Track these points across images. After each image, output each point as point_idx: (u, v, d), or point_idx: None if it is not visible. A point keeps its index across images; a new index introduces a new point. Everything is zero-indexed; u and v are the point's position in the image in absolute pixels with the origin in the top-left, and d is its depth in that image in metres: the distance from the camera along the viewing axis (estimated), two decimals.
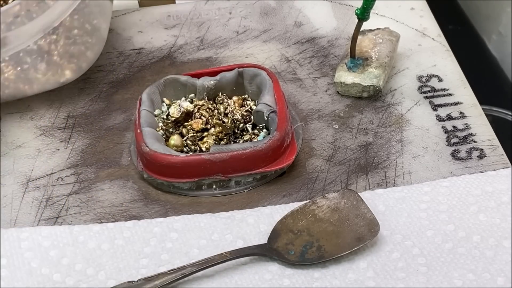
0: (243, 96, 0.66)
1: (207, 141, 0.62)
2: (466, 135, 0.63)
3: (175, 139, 0.62)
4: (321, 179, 0.61)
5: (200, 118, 0.63)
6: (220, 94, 0.66)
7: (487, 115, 0.66)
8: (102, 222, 0.58)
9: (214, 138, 0.62)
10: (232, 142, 0.62)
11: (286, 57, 0.74)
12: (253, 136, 0.62)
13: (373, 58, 0.68)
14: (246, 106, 0.65)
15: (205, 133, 0.62)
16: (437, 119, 0.65)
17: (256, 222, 0.57)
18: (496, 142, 0.63)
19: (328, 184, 0.60)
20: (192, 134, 0.62)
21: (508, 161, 0.61)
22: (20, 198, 0.61)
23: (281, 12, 0.79)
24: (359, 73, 0.67)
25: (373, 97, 0.68)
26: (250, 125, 0.63)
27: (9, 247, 0.55)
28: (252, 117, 0.64)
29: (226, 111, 0.64)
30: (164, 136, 0.62)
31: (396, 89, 0.69)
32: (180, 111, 0.64)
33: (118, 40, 0.77)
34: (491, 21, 1.09)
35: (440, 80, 0.69)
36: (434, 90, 0.68)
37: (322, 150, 0.63)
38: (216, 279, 0.53)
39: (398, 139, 0.64)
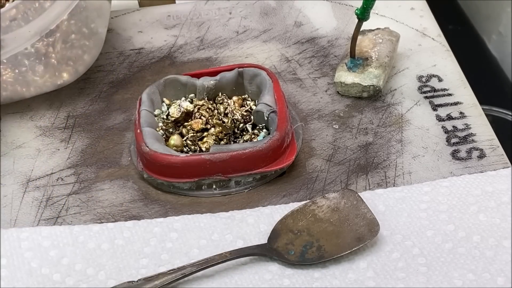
0: (243, 96, 0.66)
1: (207, 141, 0.62)
2: (466, 135, 0.63)
3: (175, 139, 0.62)
4: (321, 179, 0.61)
5: (200, 118, 0.63)
6: (220, 94, 0.66)
7: (487, 115, 0.66)
8: (102, 222, 0.58)
9: (214, 138, 0.62)
10: (232, 142, 0.62)
11: (286, 57, 0.74)
12: (253, 136, 0.62)
13: (373, 58, 0.68)
14: (246, 106, 0.65)
15: (205, 133, 0.62)
16: (437, 119, 0.65)
17: (256, 222, 0.57)
18: (496, 142, 0.63)
19: (328, 184, 0.60)
20: (192, 134, 0.62)
21: (508, 161, 0.61)
22: (20, 198, 0.61)
23: (281, 12, 0.79)
24: (359, 73, 0.67)
25: (373, 97, 0.68)
26: (250, 125, 0.63)
27: (9, 247, 0.55)
28: (252, 117, 0.64)
29: (226, 111, 0.64)
30: (164, 136, 0.62)
31: (396, 89, 0.69)
32: (180, 111, 0.64)
33: (118, 40, 0.77)
34: (491, 21, 1.10)
35: (440, 80, 0.69)
36: (434, 90, 0.68)
37: (322, 150, 0.63)
38: (216, 279, 0.53)
39: (398, 139, 0.64)
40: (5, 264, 0.54)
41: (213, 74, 0.66)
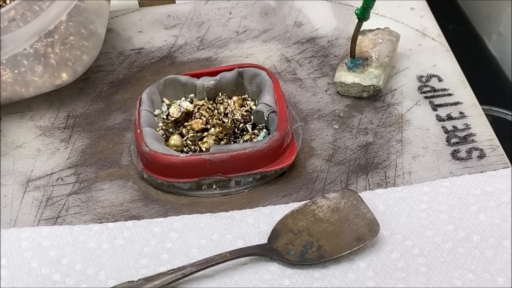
0: (243, 96, 0.66)
1: (207, 141, 0.62)
2: (466, 135, 0.63)
3: (175, 139, 0.62)
4: (321, 179, 0.61)
5: (200, 118, 0.63)
6: (220, 94, 0.66)
7: (487, 115, 0.66)
8: (102, 222, 0.58)
9: (214, 138, 0.62)
10: (232, 142, 0.62)
11: (286, 57, 0.74)
12: (253, 136, 0.62)
13: (373, 58, 0.68)
14: (246, 106, 0.65)
15: (205, 133, 0.62)
16: (437, 119, 0.65)
17: (256, 222, 0.57)
18: (496, 142, 0.63)
19: (328, 184, 0.60)
20: (192, 134, 0.62)
21: (508, 161, 0.61)
22: (20, 198, 0.61)
23: (281, 12, 0.79)
24: (359, 73, 0.67)
25: (373, 97, 0.68)
26: (250, 125, 0.63)
27: (9, 247, 0.55)
28: (252, 117, 0.64)
29: (226, 111, 0.64)
30: (164, 136, 0.62)
31: (396, 89, 0.69)
32: (180, 111, 0.64)
33: (118, 40, 0.77)
34: (491, 21, 1.10)
35: (440, 80, 0.69)
36: (434, 90, 0.68)
37: (322, 150, 0.63)
38: (216, 279, 0.53)
39: (398, 139, 0.64)
40: (5, 264, 0.54)
41: (213, 74, 0.66)
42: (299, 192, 0.60)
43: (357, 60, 0.68)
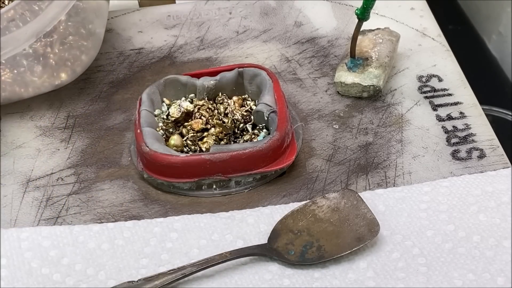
0: (243, 96, 0.66)
1: (207, 141, 0.62)
2: (466, 135, 0.63)
3: (175, 139, 0.62)
4: (321, 179, 0.61)
5: (200, 118, 0.63)
6: (220, 94, 0.66)
7: (487, 115, 0.66)
8: (102, 222, 0.58)
9: (214, 138, 0.62)
10: (232, 142, 0.62)
11: (286, 57, 0.74)
12: (253, 136, 0.62)
13: (373, 58, 0.68)
14: (246, 106, 0.65)
15: (205, 133, 0.62)
16: (437, 119, 0.65)
17: (256, 222, 0.57)
18: (496, 142, 0.63)
19: (328, 184, 0.60)
20: (192, 134, 0.62)
21: (508, 161, 0.61)
22: (20, 198, 0.61)
23: (281, 12, 0.79)
24: (359, 73, 0.67)
25: (373, 97, 0.68)
26: (250, 125, 0.63)
27: (9, 247, 0.55)
28: (252, 117, 0.64)
29: (226, 111, 0.64)
30: (164, 136, 0.62)
31: (396, 89, 0.69)
32: (180, 111, 0.64)
33: (118, 40, 0.77)
34: (491, 21, 1.10)
35: (440, 80, 0.69)
36: (434, 90, 0.68)
37: (322, 150, 0.63)
38: (216, 279, 0.53)
39: (398, 139, 0.64)
40: (5, 264, 0.54)
41: (213, 74, 0.66)
42: (299, 192, 0.60)
43: (357, 60, 0.68)
